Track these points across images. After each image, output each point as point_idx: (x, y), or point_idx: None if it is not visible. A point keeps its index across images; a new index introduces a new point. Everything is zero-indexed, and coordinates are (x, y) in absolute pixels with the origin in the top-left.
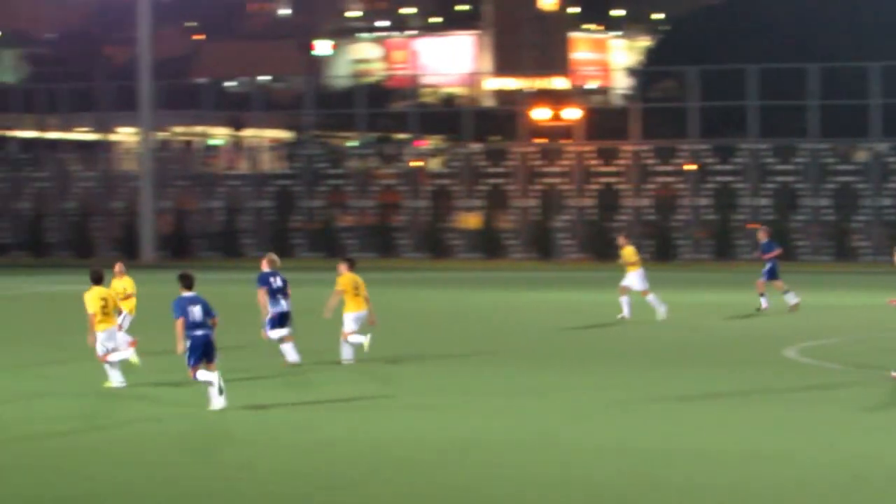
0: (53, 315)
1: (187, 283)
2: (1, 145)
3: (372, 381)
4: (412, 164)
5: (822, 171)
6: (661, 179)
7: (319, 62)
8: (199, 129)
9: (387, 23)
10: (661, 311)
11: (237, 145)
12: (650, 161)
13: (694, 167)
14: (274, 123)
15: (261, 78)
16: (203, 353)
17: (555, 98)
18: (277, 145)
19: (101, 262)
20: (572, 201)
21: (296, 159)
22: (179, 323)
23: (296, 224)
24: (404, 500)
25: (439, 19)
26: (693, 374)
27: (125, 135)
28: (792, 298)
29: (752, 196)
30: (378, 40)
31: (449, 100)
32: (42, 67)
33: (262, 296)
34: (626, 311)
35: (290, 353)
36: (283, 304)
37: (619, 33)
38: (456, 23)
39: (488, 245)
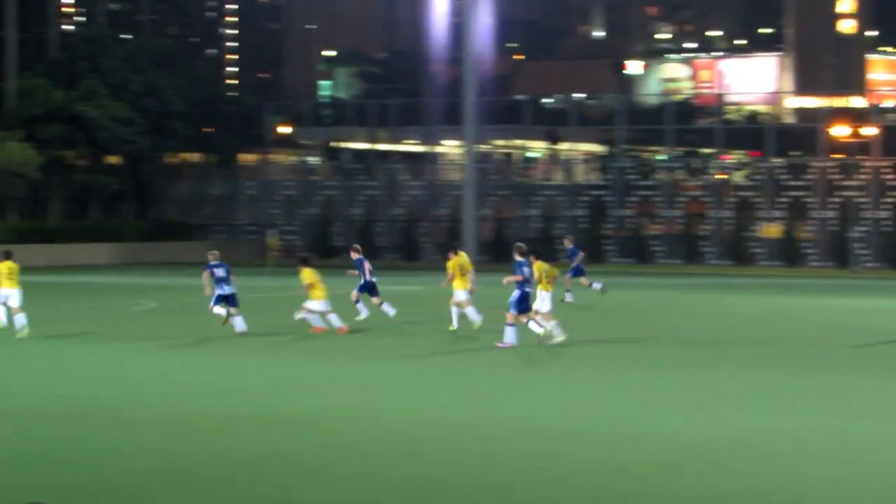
0: None
1: None
2: (335, 156)
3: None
4: (717, 176)
5: None
6: None
7: (630, 81)
8: (518, 142)
9: (694, 44)
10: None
11: (553, 158)
12: None
13: None
14: (587, 138)
15: (576, 95)
16: None
17: (852, 116)
18: (591, 158)
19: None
20: (868, 213)
21: (608, 171)
22: None
23: (607, 232)
24: None
25: (744, 41)
26: None
27: (449, 147)
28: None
29: None
30: (686, 61)
31: (752, 117)
32: (374, 84)
33: None
34: None
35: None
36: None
37: None
38: (759, 45)
39: (788, 254)
